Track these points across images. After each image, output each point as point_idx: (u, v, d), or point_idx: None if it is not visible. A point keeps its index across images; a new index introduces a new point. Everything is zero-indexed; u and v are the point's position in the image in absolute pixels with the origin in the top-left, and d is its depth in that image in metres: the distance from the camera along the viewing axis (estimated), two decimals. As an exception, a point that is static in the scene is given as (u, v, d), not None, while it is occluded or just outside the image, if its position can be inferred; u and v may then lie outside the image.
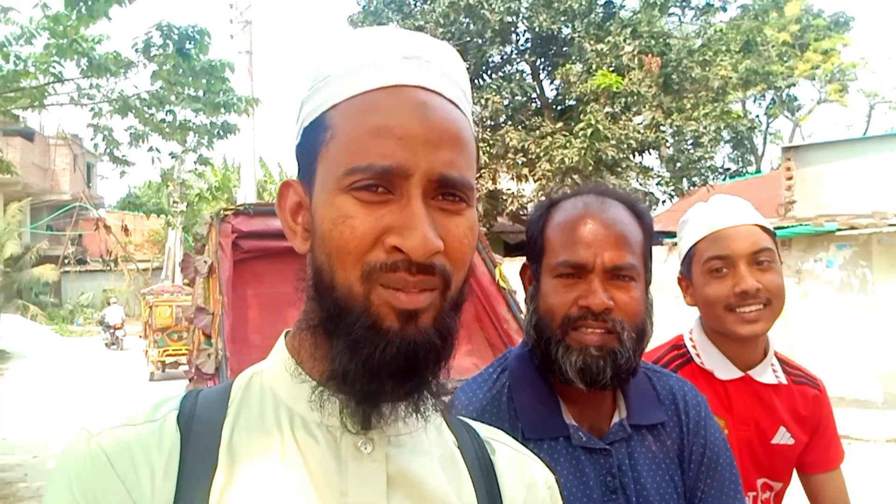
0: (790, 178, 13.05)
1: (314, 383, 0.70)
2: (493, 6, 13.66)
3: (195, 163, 10.24)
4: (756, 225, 1.54)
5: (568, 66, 13.68)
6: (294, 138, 0.75)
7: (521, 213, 14.37)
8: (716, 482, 1.19)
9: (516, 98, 14.54)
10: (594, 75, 13.12)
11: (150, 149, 8.82)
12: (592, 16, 13.82)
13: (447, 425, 0.81)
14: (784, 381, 1.59)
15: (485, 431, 0.85)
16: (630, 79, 13.01)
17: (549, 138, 13.24)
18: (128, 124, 8.41)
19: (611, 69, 13.25)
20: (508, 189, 14.83)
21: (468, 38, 14.29)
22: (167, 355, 14.72)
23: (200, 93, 8.03)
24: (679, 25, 15.65)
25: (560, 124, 13.79)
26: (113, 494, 0.64)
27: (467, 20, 14.35)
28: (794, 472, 1.65)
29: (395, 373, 0.64)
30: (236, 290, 3.52)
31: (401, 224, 0.64)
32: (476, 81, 14.44)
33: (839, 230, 9.35)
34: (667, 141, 14.11)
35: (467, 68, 0.81)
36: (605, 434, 1.15)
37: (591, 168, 12.81)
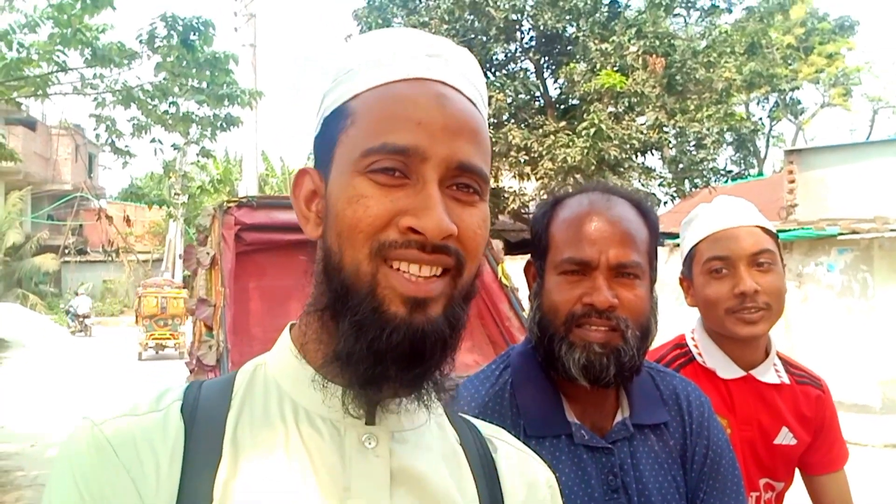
0: (792, 182, 13.02)
1: (317, 366, 0.70)
2: (498, 4, 13.64)
3: (197, 155, 10.26)
4: (758, 226, 1.54)
5: (572, 65, 13.66)
6: (314, 129, 0.75)
7: (523, 211, 14.37)
8: (718, 483, 1.18)
9: (520, 96, 14.53)
10: (598, 75, 13.10)
11: (153, 140, 8.84)
12: (597, 15, 13.79)
13: (449, 422, 0.81)
14: (787, 381, 1.59)
15: (487, 429, 0.85)
16: (634, 79, 12.99)
17: (552, 137, 13.22)
18: (130, 115, 8.43)
19: (615, 69, 13.23)
20: (510, 187, 14.83)
21: (472, 36, 14.27)
22: (153, 339, 17.10)
23: (204, 85, 8.04)
24: (684, 26, 15.64)
25: (563, 123, 13.78)
26: (117, 484, 0.63)
27: (472, 17, 14.33)
28: (797, 472, 1.65)
29: (400, 358, 0.64)
30: (238, 283, 3.52)
31: (416, 206, 0.64)
32: (480, 79, 14.38)
33: (841, 234, 9.35)
34: (669, 142, 14.09)
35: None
36: (607, 433, 1.15)
37: (593, 168, 12.80)
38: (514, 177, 14.36)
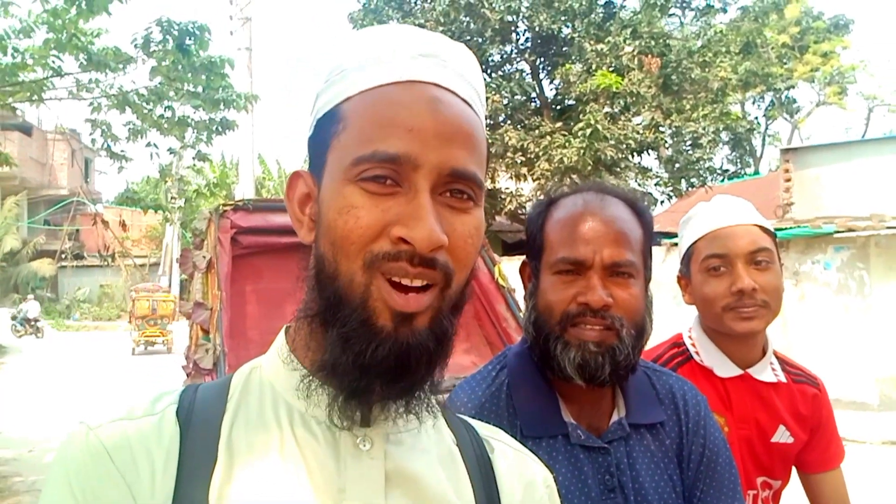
0: (788, 180, 13.05)
1: (305, 372, 0.69)
2: (494, 5, 13.64)
3: (193, 159, 10.24)
4: (756, 225, 1.54)
5: (568, 65, 13.67)
6: (307, 130, 0.75)
7: (520, 212, 14.36)
8: (715, 482, 1.18)
9: (516, 97, 14.52)
10: (594, 75, 13.11)
11: (149, 144, 8.79)
12: (593, 16, 13.80)
13: (446, 423, 0.80)
14: (784, 379, 1.59)
15: (484, 430, 0.85)
16: (630, 79, 13.00)
17: (548, 138, 13.23)
18: (126, 119, 8.39)
19: (610, 69, 13.23)
20: (507, 188, 14.82)
21: (468, 37, 14.26)
22: (144, 336, 19.25)
23: (199, 89, 8.01)
24: (679, 26, 15.65)
25: (559, 124, 13.78)
26: (112, 489, 0.63)
27: (467, 19, 14.33)
28: (793, 470, 1.65)
29: (386, 373, 0.64)
30: (235, 286, 3.51)
31: (406, 215, 0.63)
32: (476, 80, 14.39)
33: (837, 232, 9.35)
34: (666, 142, 14.11)
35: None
36: (603, 432, 1.15)
37: (589, 168, 12.80)
38: (511, 178, 14.36)
